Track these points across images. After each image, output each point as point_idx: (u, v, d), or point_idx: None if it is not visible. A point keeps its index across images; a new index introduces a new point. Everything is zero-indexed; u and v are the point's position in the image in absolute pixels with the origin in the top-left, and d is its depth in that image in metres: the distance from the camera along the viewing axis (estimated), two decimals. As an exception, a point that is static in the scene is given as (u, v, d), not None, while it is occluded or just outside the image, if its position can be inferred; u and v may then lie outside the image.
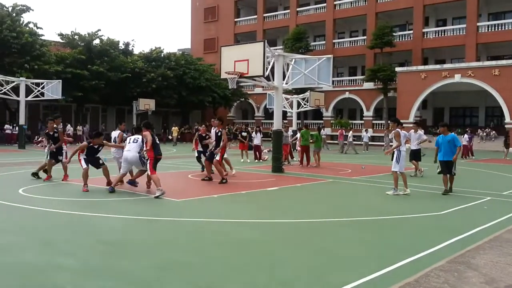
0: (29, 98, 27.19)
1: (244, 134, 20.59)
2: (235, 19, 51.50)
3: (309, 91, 29.83)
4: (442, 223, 7.65)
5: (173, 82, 38.98)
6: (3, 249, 5.69)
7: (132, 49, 41.81)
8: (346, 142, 28.19)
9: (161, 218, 7.73)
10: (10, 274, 4.75)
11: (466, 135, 24.33)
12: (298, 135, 18.48)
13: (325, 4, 45.08)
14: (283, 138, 18.57)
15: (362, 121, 42.03)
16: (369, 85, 41.35)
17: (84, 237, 6.34)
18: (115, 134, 12.19)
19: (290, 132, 20.67)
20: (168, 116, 45.63)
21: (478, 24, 37.58)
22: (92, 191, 10.37)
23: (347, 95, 43.40)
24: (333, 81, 21.54)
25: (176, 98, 39.67)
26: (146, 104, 36.00)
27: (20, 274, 4.76)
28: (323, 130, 28.65)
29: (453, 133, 11.42)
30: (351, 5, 44.06)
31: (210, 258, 5.46)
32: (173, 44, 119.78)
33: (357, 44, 43.91)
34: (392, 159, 10.92)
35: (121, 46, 39.94)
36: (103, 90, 35.26)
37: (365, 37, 42.67)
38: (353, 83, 43.81)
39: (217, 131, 12.28)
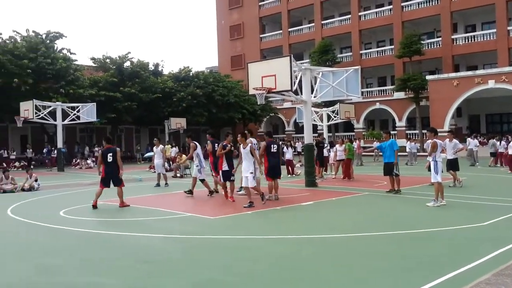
0: (66, 122, 28.07)
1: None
2: (261, 35, 51.94)
3: (338, 103, 29.65)
4: (485, 234, 7.40)
5: (203, 100, 39.48)
6: (45, 270, 5.84)
7: (162, 69, 42.67)
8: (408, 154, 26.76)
9: (196, 236, 7.76)
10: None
11: (503, 142, 23.45)
12: (338, 147, 18.28)
13: (349, 16, 44.97)
14: (324, 150, 18.40)
15: (395, 132, 41.28)
16: (399, 94, 40.77)
17: (122, 257, 6.45)
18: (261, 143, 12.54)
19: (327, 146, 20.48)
20: (199, 134, 46.16)
21: (509, 28, 36.63)
22: (126, 210, 10.57)
23: (377, 105, 42.87)
24: (362, 92, 21.39)
25: (206, 116, 40.14)
26: (178, 123, 36.57)
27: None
28: (356, 142, 28.18)
29: (392, 139, 13.34)
30: (376, 15, 43.79)
31: (246, 276, 5.45)
32: (201, 62, 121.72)
33: (384, 54, 43.49)
34: (429, 170, 10.69)
35: (151, 67, 40.75)
36: (135, 111, 36.01)
37: (392, 46, 42.23)
38: (383, 94, 43.28)
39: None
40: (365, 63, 42.30)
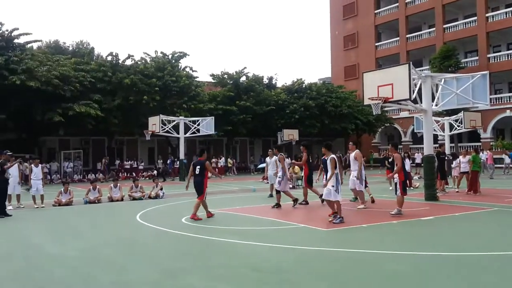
0: (187, 134, 30.07)
1: (390, 160, 19.74)
2: (376, 44, 50.52)
3: (462, 111, 27.48)
4: None
5: (315, 111, 39.48)
6: (169, 273, 6.25)
7: (275, 82, 43.65)
8: None
9: (308, 247, 7.69)
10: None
11: None
12: (462, 159, 17.11)
13: (475, 18, 41.70)
14: (445, 162, 17.31)
15: (530, 142, 37.15)
16: (535, 100, 36.60)
17: (238, 264, 6.65)
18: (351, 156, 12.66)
19: (448, 157, 19.21)
20: (311, 145, 46.16)
21: None
22: (240, 219, 10.90)
23: (508, 113, 38.94)
24: (490, 99, 19.57)
25: (319, 127, 40.02)
26: (290, 134, 36.95)
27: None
28: (486, 152, 25.84)
29: None
30: (506, 16, 39.99)
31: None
32: (313, 74, 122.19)
33: (517, 56, 39.48)
34: None
35: (265, 80, 41.94)
36: (250, 123, 37.31)
37: (526, 48, 38.21)
38: (515, 100, 39.23)
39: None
40: (493, 67, 38.80)
